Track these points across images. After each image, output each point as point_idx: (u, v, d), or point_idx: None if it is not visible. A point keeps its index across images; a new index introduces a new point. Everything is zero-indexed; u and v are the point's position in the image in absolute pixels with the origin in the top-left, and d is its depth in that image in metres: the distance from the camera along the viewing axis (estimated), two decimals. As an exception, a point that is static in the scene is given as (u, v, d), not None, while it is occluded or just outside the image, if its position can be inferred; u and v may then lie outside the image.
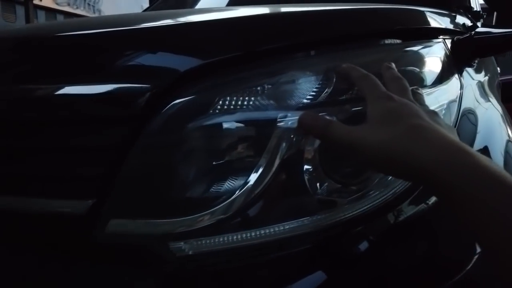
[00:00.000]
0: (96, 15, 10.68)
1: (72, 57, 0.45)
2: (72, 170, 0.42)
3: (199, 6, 1.38)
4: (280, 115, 0.41)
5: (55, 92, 0.44)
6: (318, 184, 0.41)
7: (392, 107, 0.39)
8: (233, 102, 0.43)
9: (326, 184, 0.42)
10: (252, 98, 0.43)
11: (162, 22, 0.56)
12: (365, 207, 0.41)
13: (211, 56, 0.43)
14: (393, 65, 0.44)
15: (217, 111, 0.41)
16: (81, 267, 0.42)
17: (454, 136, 0.36)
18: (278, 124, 0.41)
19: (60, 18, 10.21)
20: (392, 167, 0.36)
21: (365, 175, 0.42)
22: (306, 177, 0.41)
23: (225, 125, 0.42)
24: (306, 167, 0.41)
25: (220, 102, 0.42)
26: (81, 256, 0.42)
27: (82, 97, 0.42)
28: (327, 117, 0.40)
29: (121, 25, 0.55)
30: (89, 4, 10.74)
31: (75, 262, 0.42)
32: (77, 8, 10.50)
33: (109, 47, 0.47)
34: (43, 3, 7.74)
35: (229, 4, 1.28)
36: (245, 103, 0.43)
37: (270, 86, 0.44)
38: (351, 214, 0.40)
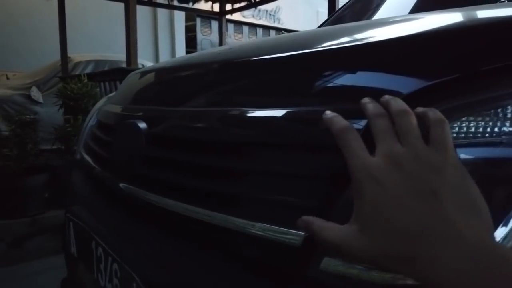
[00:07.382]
0: (276, 23, 11.47)
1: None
2: (290, 197, 0.41)
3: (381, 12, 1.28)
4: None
5: (275, 116, 0.43)
6: None
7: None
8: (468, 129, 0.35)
9: None
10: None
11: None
12: None
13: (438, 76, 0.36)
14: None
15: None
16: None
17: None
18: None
19: (245, 29, 11.37)
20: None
21: None
22: None
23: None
24: None
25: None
26: (286, 285, 0.40)
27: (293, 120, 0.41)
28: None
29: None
30: (270, 14, 11.63)
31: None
32: (260, 19, 11.50)
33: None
34: (232, 17, 8.76)
35: (413, 9, 1.15)
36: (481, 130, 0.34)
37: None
38: None
